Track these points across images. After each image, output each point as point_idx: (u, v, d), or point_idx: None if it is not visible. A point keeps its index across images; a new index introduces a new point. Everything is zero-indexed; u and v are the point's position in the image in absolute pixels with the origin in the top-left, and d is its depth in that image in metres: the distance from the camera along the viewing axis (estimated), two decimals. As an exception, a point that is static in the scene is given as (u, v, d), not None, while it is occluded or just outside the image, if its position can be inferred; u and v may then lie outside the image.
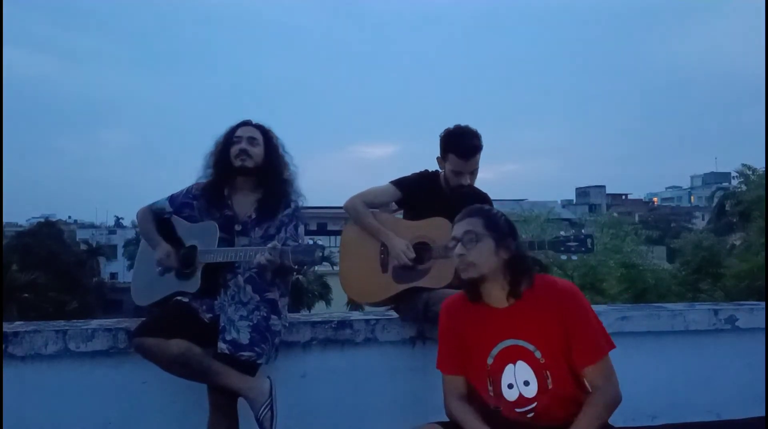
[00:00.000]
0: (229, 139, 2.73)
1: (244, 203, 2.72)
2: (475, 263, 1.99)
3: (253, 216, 2.70)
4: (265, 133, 2.77)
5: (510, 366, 1.99)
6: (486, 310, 2.04)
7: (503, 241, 2.01)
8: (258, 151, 2.71)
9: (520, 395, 1.98)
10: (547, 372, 1.96)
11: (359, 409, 2.93)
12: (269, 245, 2.48)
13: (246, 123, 2.79)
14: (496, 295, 2.03)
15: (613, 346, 2.00)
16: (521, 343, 1.98)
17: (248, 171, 2.70)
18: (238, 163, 2.68)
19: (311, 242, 2.46)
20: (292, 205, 2.73)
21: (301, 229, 2.74)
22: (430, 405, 2.53)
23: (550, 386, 1.96)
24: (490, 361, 2.00)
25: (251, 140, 2.71)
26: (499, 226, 2.04)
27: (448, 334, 2.10)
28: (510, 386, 1.98)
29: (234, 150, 2.69)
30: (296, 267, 2.51)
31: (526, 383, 1.97)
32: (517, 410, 1.97)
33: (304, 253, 2.42)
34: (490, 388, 2.00)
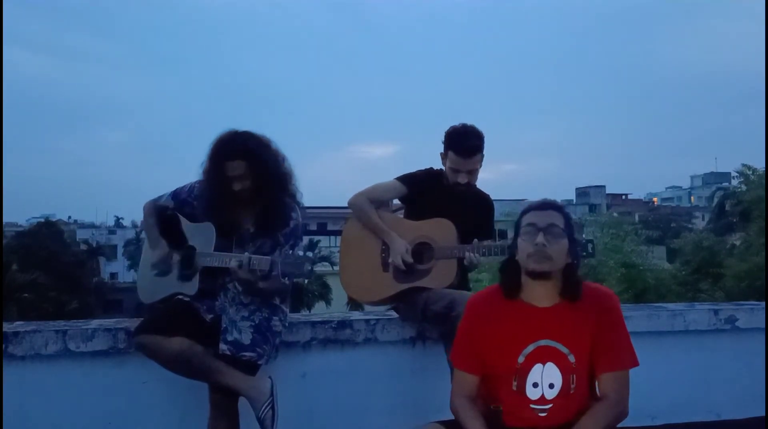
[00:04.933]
0: (221, 173, 2.59)
1: (243, 215, 2.69)
2: (552, 258, 1.96)
3: (251, 230, 2.68)
4: (252, 159, 2.60)
5: (539, 366, 1.97)
6: (523, 308, 2.01)
7: (573, 245, 2.00)
8: (247, 184, 2.60)
9: (542, 396, 1.97)
10: (574, 376, 1.95)
11: (359, 409, 2.94)
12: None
13: (231, 155, 2.58)
14: (542, 293, 1.99)
15: (636, 364, 2.00)
16: (556, 345, 1.97)
17: (238, 202, 2.66)
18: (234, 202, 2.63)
19: (301, 254, 2.46)
20: (291, 224, 2.67)
21: (298, 247, 2.69)
22: (430, 405, 2.54)
23: (572, 391, 1.95)
24: (521, 359, 1.98)
25: (239, 178, 2.59)
26: (573, 229, 2.02)
27: (471, 330, 2.07)
28: (535, 385, 1.97)
29: (229, 189, 2.61)
30: (286, 279, 2.51)
31: (551, 386, 1.96)
32: (533, 406, 1.97)
33: (294, 265, 2.40)
34: (515, 383, 1.98)
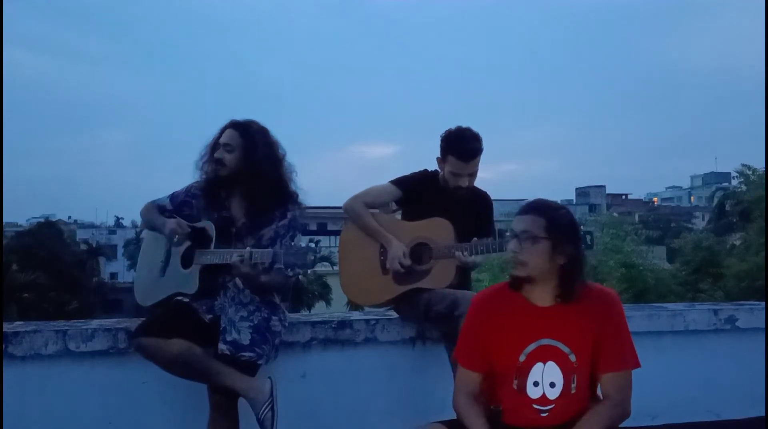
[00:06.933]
0: (216, 143, 2.68)
1: (240, 207, 2.70)
2: (526, 263, 1.95)
3: (245, 221, 2.68)
4: (245, 134, 2.65)
5: (539, 364, 1.97)
6: (525, 307, 2.00)
7: (562, 246, 1.94)
8: (232, 158, 2.63)
9: (543, 395, 1.97)
10: (575, 376, 1.95)
11: (359, 409, 2.94)
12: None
13: (229, 125, 2.69)
14: (541, 294, 1.99)
15: (638, 366, 2.00)
16: (557, 344, 1.97)
17: (223, 179, 2.66)
18: (215, 171, 2.66)
19: (303, 245, 2.46)
20: (289, 215, 2.67)
21: (298, 238, 2.69)
22: (430, 405, 2.54)
23: (574, 390, 1.96)
24: (522, 358, 1.98)
25: (226, 147, 2.63)
26: (562, 229, 1.96)
27: (475, 328, 2.07)
28: (536, 384, 1.97)
29: (220, 161, 2.64)
30: (291, 274, 2.52)
31: (552, 385, 1.96)
32: (535, 406, 1.97)
33: (296, 255, 2.40)
34: (515, 381, 1.98)
